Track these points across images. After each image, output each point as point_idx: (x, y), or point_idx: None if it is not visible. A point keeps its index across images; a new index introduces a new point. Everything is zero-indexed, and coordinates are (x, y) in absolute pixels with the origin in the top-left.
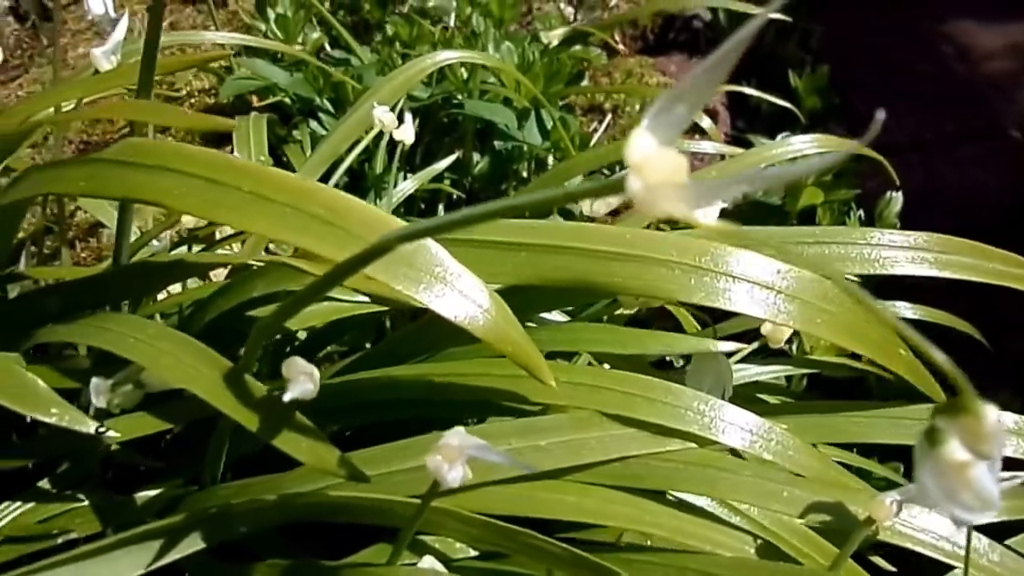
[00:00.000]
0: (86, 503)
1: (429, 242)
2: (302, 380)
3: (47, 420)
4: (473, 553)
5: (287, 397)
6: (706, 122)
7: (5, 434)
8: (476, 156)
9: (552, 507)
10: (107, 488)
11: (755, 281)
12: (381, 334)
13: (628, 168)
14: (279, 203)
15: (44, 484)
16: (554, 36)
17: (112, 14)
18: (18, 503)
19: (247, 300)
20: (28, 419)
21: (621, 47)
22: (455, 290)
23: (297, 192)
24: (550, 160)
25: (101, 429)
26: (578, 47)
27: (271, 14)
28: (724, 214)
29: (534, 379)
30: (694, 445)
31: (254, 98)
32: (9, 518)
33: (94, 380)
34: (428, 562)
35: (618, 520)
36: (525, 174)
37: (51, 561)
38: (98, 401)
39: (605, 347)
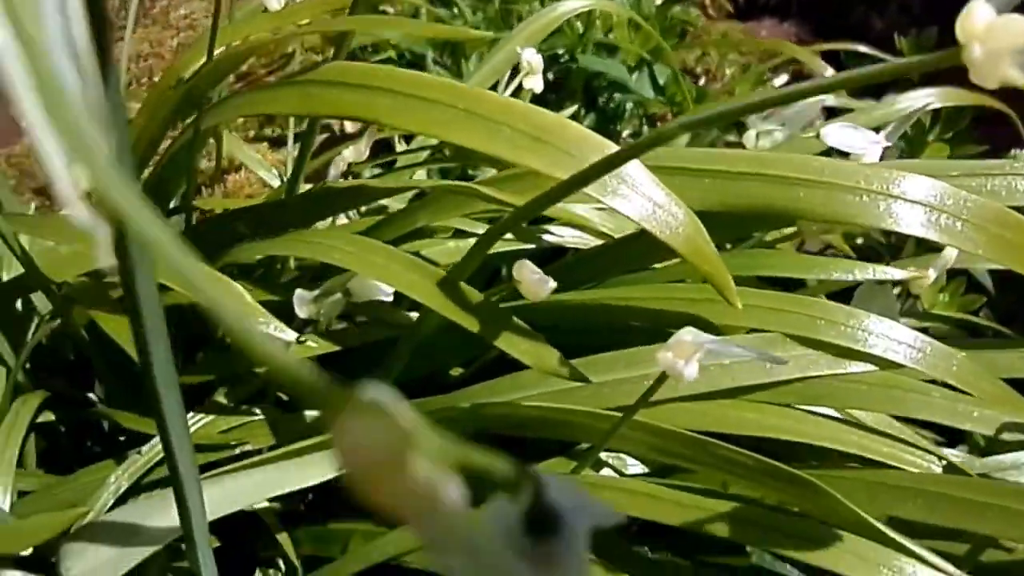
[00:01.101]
0: (261, 417)
1: (633, 162)
2: (537, 279)
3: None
4: (643, 469)
5: (543, 291)
6: (829, 72)
7: (193, 349)
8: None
9: (737, 423)
10: (279, 406)
11: (940, 208)
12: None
13: (964, 39)
14: (493, 120)
15: (222, 398)
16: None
17: None
18: (201, 415)
19: (412, 231)
20: (219, 334)
21: (710, 11)
22: (656, 205)
23: (509, 110)
24: (664, 117)
25: (301, 339)
26: (678, 8)
27: None
28: None
29: (717, 302)
30: (875, 368)
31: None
32: (193, 428)
33: (299, 291)
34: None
35: (803, 437)
36: (625, 132)
37: (244, 464)
38: (302, 312)
39: (786, 271)
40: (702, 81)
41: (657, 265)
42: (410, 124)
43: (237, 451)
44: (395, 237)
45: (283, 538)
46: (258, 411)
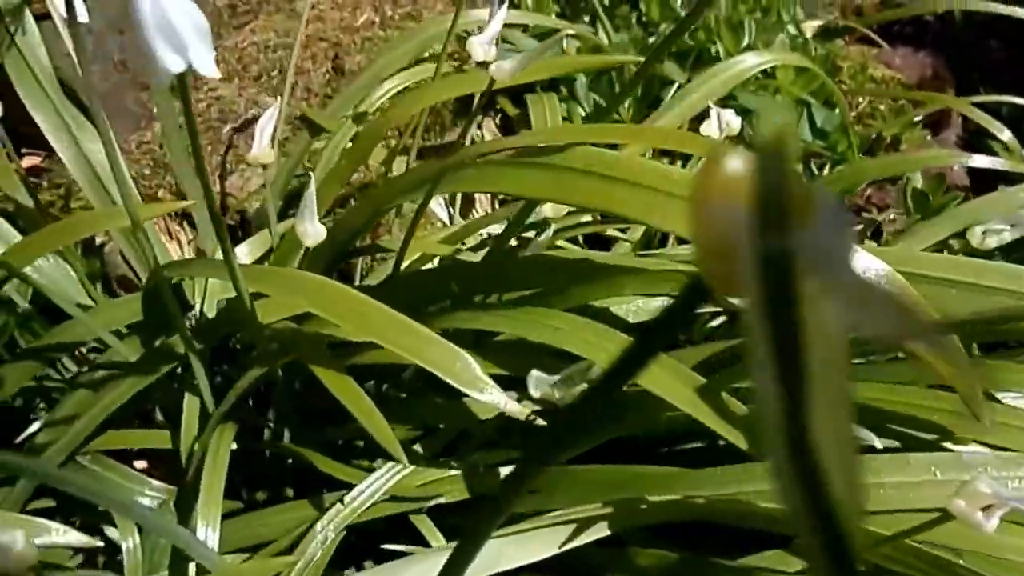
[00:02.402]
0: (458, 472)
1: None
2: None
3: (481, 399)
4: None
5: None
6: (1006, 134)
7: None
8: None
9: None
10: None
11: None
12: None
13: None
14: None
15: (419, 448)
16: (808, 28)
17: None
18: (400, 466)
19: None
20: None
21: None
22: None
23: None
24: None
25: (531, 417)
26: (838, 41)
27: None
28: None
29: (951, 410)
30: None
31: None
32: (395, 479)
33: (536, 372)
34: None
35: None
36: None
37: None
38: (536, 392)
39: None
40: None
41: (875, 358)
42: (666, 223)
43: (431, 503)
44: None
45: None
46: (455, 465)
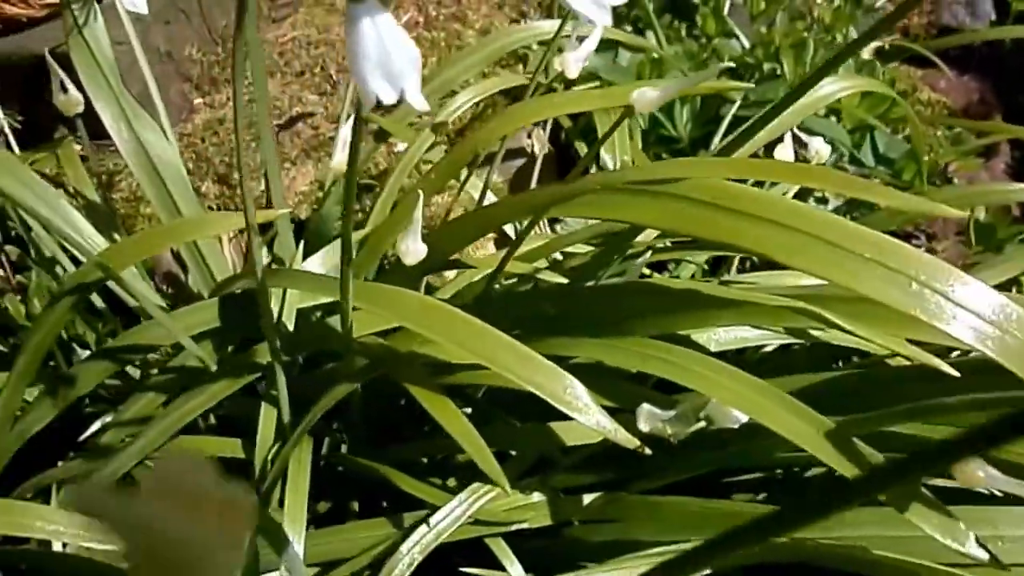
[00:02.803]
0: (542, 499)
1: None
2: None
3: (590, 426)
4: None
5: None
6: None
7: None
8: None
9: None
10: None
11: None
12: None
13: None
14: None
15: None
16: (866, 49)
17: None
18: (488, 486)
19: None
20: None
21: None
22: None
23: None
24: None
25: (640, 449)
26: (896, 64)
27: None
28: None
29: None
30: None
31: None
32: (480, 503)
33: (647, 406)
34: None
35: None
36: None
37: None
38: (644, 426)
39: None
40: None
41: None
42: (793, 260)
43: (513, 528)
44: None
45: None
46: (537, 493)
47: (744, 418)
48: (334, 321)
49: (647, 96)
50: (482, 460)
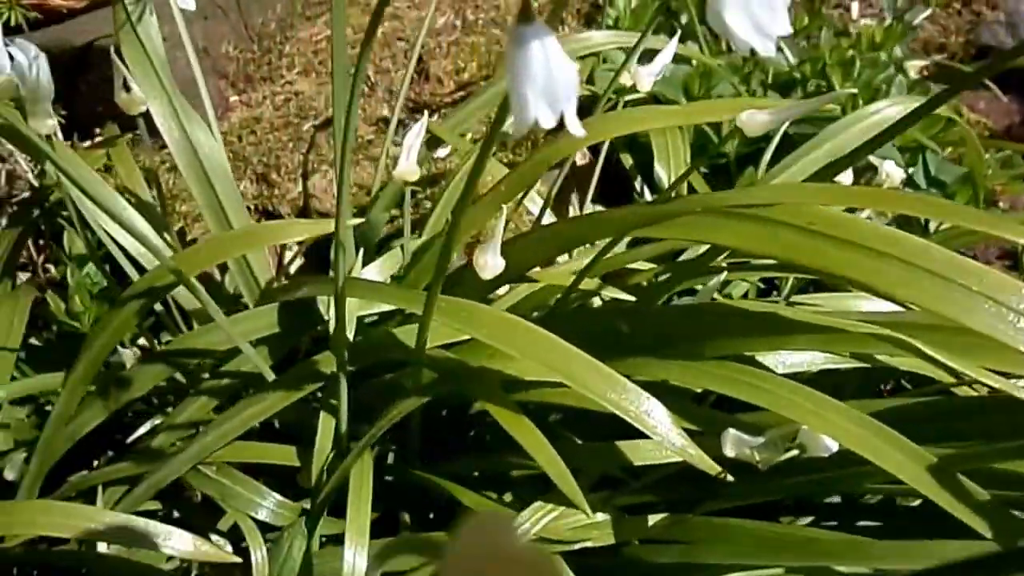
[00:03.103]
0: (605, 518)
1: None
2: None
3: (673, 451)
4: None
5: None
6: None
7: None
8: None
9: None
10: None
11: None
12: None
13: None
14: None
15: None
16: (912, 68)
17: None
18: (551, 505)
19: None
20: None
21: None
22: None
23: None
24: None
25: (722, 475)
26: (934, 85)
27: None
28: None
29: None
30: None
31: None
32: (545, 520)
33: (733, 431)
34: None
35: None
36: None
37: None
38: (730, 451)
39: None
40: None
41: None
42: (896, 291)
43: (577, 547)
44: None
45: None
46: (601, 513)
47: (835, 447)
48: (401, 332)
49: (756, 119)
50: (562, 482)
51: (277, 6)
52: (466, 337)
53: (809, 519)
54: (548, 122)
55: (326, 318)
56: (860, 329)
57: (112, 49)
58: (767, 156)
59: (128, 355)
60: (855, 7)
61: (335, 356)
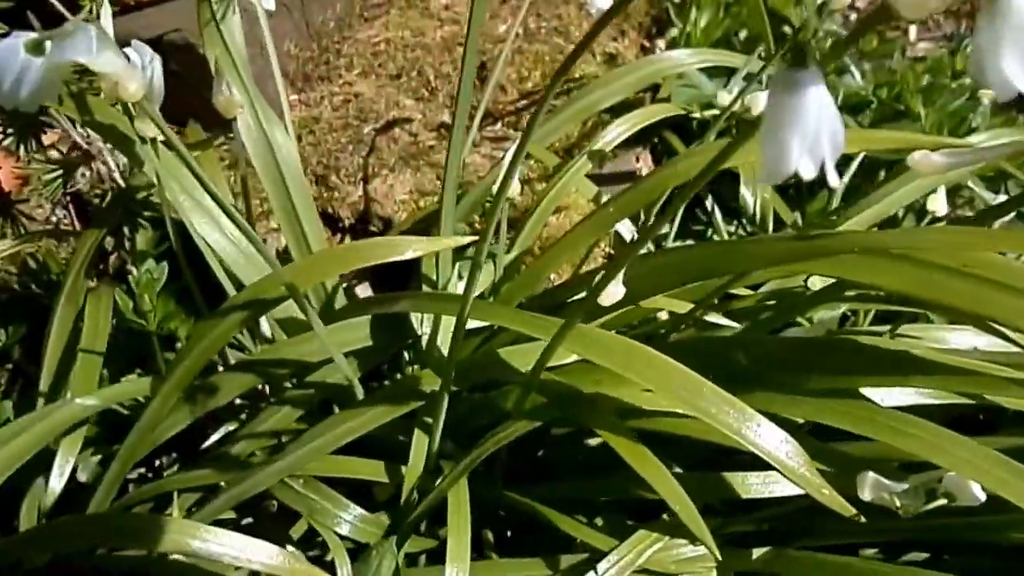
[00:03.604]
0: (704, 552)
1: None
2: None
3: (807, 489)
4: None
5: None
6: None
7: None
8: None
9: None
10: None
11: None
12: None
13: None
14: None
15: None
16: (985, 94)
17: None
18: (656, 534)
19: None
20: None
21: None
22: None
23: None
24: None
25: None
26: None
27: (692, 16)
28: None
29: None
30: None
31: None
32: (649, 552)
33: (872, 475)
34: None
35: None
36: None
37: None
38: (868, 494)
39: None
40: None
41: None
42: None
43: None
44: None
45: None
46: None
47: (983, 496)
48: (505, 352)
49: (932, 161)
50: (688, 519)
51: (337, 5)
52: (571, 359)
53: (925, 555)
54: (808, 173)
55: (419, 333)
56: (996, 372)
57: (211, 54)
58: (845, 179)
59: None
60: (913, 30)
61: (440, 375)
